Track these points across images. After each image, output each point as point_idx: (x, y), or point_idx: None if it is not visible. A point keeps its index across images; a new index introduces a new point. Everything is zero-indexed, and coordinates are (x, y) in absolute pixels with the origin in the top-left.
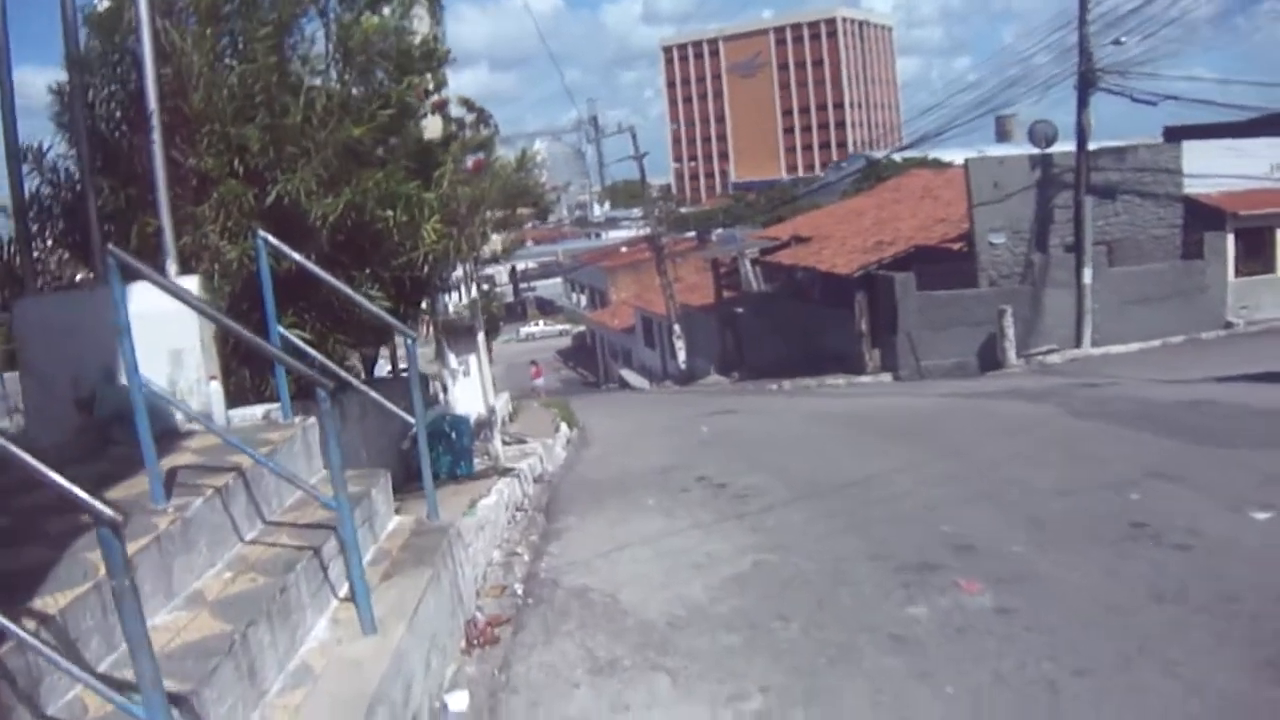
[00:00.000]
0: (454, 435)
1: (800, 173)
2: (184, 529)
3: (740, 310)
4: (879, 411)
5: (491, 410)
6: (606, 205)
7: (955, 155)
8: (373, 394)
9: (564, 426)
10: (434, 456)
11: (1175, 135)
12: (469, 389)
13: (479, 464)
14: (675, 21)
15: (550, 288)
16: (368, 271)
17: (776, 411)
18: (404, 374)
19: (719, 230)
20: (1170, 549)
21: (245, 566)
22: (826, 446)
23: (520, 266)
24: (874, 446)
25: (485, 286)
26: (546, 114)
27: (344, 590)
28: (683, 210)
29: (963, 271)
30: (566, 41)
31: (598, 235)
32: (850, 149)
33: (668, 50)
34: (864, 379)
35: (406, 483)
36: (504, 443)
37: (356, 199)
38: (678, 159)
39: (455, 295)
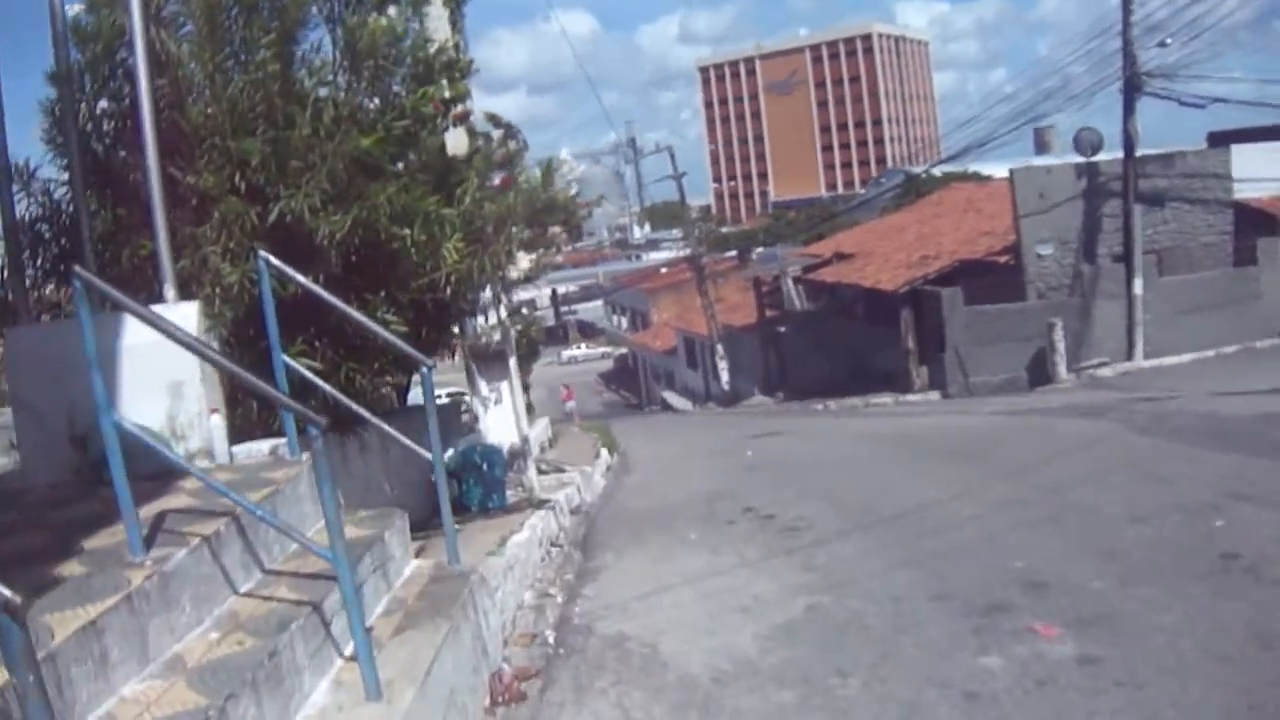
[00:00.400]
0: (485, 466)
1: (840, 190)
2: (163, 584)
3: (783, 329)
4: (929, 431)
5: (525, 439)
6: (646, 227)
7: (995, 168)
8: (386, 428)
9: (604, 452)
10: (464, 489)
11: (1221, 140)
12: (501, 417)
13: (512, 496)
14: (711, 42)
15: (591, 310)
16: (383, 294)
17: (823, 433)
18: (443, 400)
19: (759, 249)
20: (1272, 585)
21: (235, 625)
22: (877, 469)
23: (561, 290)
24: (926, 469)
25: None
26: (585, 138)
27: (350, 648)
28: (723, 230)
29: (1009, 285)
30: (603, 65)
31: (638, 257)
32: (889, 164)
33: (704, 70)
34: (911, 397)
35: (436, 517)
36: (540, 471)
37: (367, 216)
38: (717, 179)
39: (484, 319)
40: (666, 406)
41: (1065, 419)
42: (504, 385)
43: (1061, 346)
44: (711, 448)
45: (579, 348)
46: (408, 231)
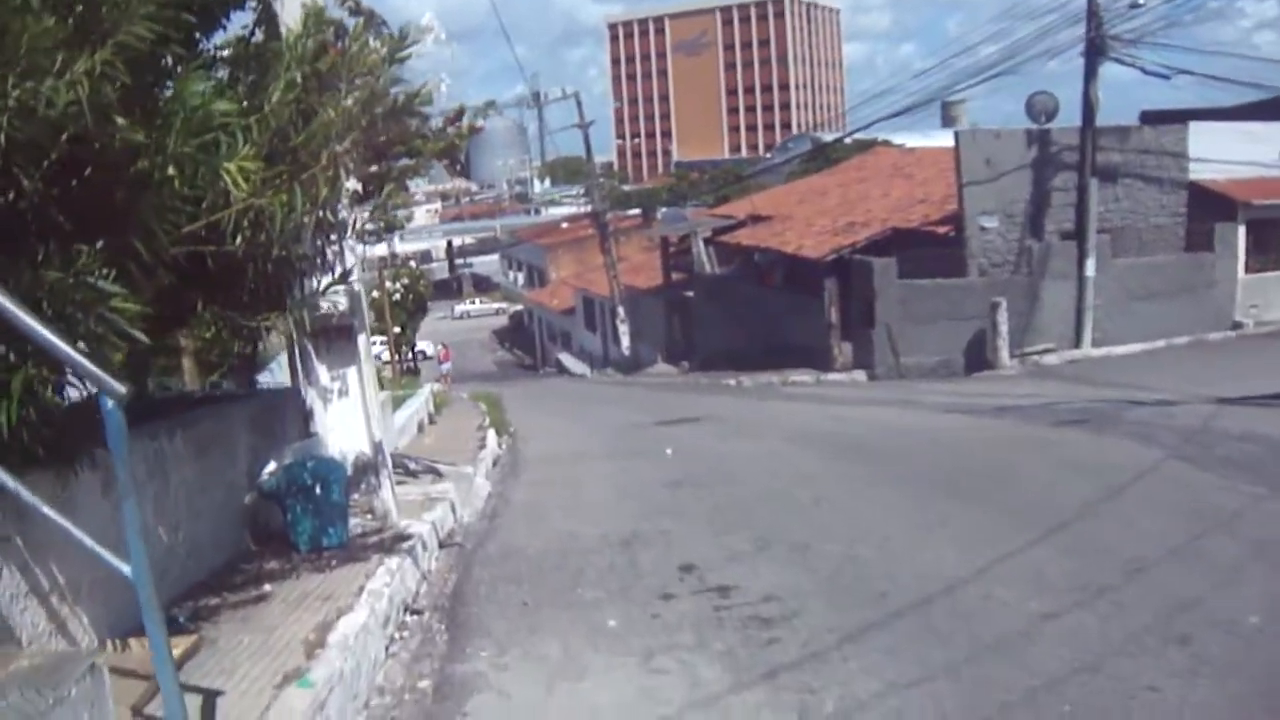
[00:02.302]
0: (319, 489)
1: (744, 154)
2: None
3: (691, 294)
4: (886, 434)
5: (378, 447)
6: (547, 182)
7: (905, 140)
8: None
9: (491, 437)
10: (290, 519)
11: (1154, 119)
12: (347, 416)
13: (359, 525)
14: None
15: (487, 265)
16: (100, 245)
17: (750, 423)
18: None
19: (664, 209)
20: None
21: None
22: (852, 503)
23: (456, 242)
24: (919, 505)
25: (410, 262)
26: (491, 89)
27: None
28: (625, 188)
29: (948, 258)
30: (513, 17)
31: (537, 211)
32: (794, 130)
33: (613, 27)
34: (834, 376)
35: (248, 560)
36: (407, 474)
37: (54, 99)
38: (620, 136)
39: (323, 280)
40: (562, 369)
41: (1058, 430)
42: (350, 372)
43: (1005, 329)
44: (620, 439)
45: (473, 303)
46: (145, 135)
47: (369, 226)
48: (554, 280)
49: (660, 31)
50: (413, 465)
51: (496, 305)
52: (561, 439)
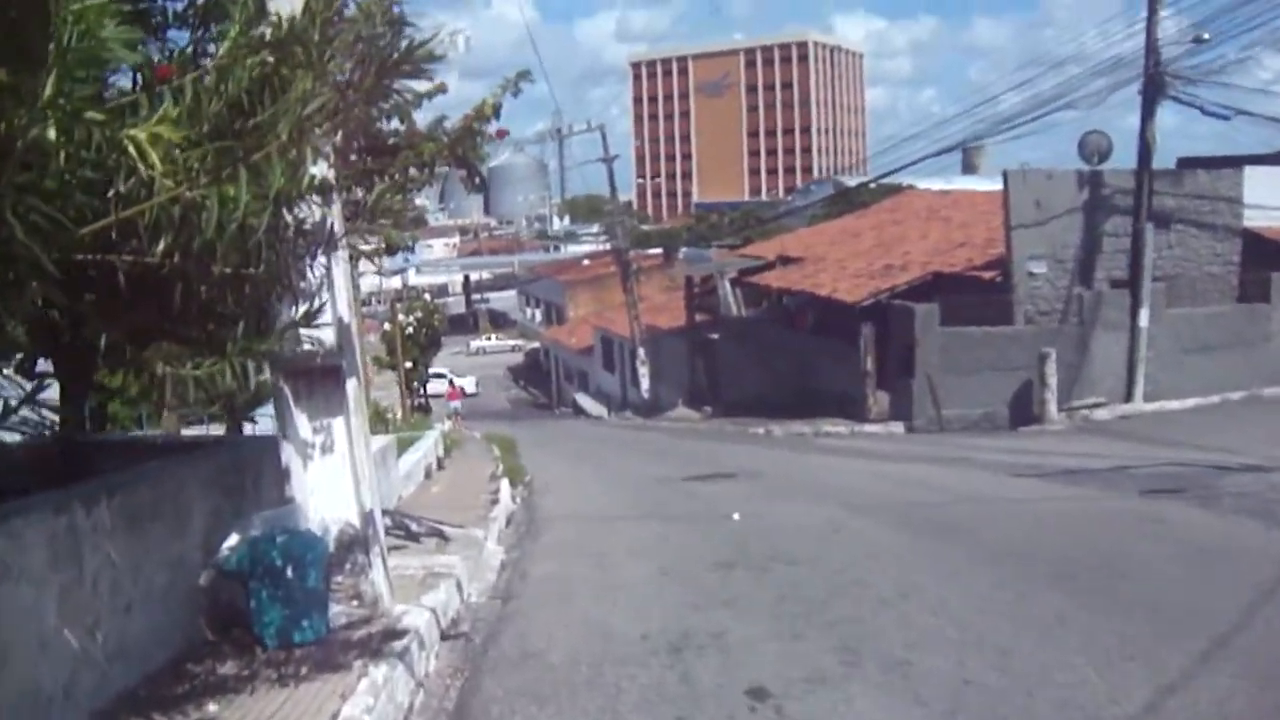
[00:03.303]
0: (290, 570)
1: (764, 196)
2: None
3: (715, 336)
4: (954, 501)
5: (369, 518)
6: (566, 219)
7: (928, 186)
8: None
9: (505, 489)
10: (255, 606)
11: (1191, 165)
12: (332, 477)
13: (344, 614)
14: (649, 39)
15: (504, 300)
16: None
17: (792, 481)
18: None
19: (685, 249)
20: None
21: None
22: (945, 596)
23: (474, 276)
24: (1024, 599)
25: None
26: (512, 126)
27: None
28: (645, 228)
29: (992, 305)
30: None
31: (556, 248)
32: (815, 174)
33: (636, 66)
34: (869, 427)
35: (201, 656)
36: (408, 533)
37: None
38: (641, 176)
39: (299, 309)
40: (579, 410)
41: (1153, 502)
42: (338, 423)
43: (1054, 381)
44: (648, 496)
45: (489, 338)
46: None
47: (366, 245)
48: (572, 318)
49: (684, 72)
50: (414, 526)
51: (513, 342)
52: (583, 493)
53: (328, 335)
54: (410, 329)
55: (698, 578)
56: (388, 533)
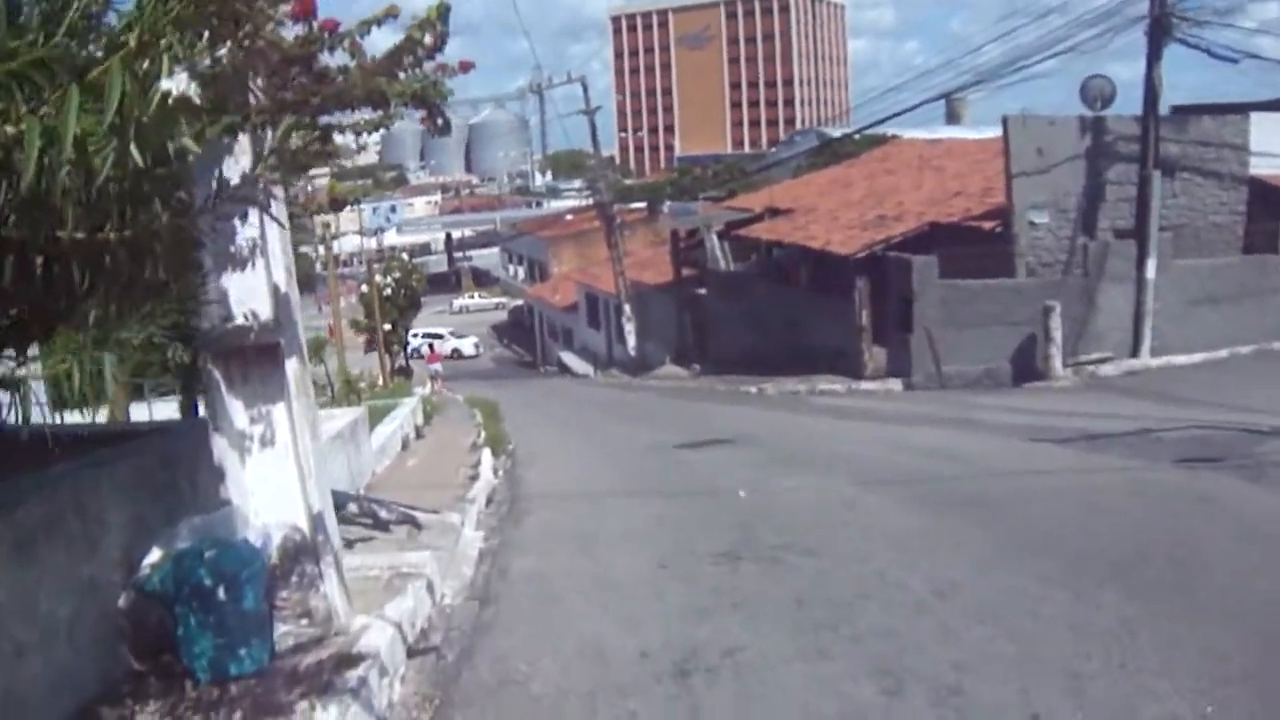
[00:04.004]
0: (222, 591)
1: (746, 148)
2: None
3: (703, 291)
4: (972, 472)
5: (319, 521)
6: (548, 175)
7: (913, 136)
8: None
9: (485, 463)
10: (183, 635)
11: (1183, 113)
12: (273, 473)
13: (290, 633)
14: None
15: (487, 258)
16: None
17: (795, 448)
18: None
19: (670, 203)
20: None
21: None
22: (989, 599)
23: (456, 234)
24: (1081, 601)
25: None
26: (493, 84)
27: None
28: (627, 182)
29: (992, 256)
30: (514, 12)
31: (539, 204)
32: (799, 126)
33: (616, 20)
34: (866, 385)
35: (119, 696)
36: (376, 521)
37: None
38: (623, 130)
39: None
40: (564, 369)
41: (1193, 475)
42: (278, 411)
43: (1058, 335)
44: (640, 466)
45: (471, 296)
46: None
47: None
48: (555, 275)
49: (664, 25)
50: (384, 514)
51: (496, 300)
52: (569, 464)
53: (263, 308)
54: (389, 290)
55: (700, 572)
56: (354, 520)
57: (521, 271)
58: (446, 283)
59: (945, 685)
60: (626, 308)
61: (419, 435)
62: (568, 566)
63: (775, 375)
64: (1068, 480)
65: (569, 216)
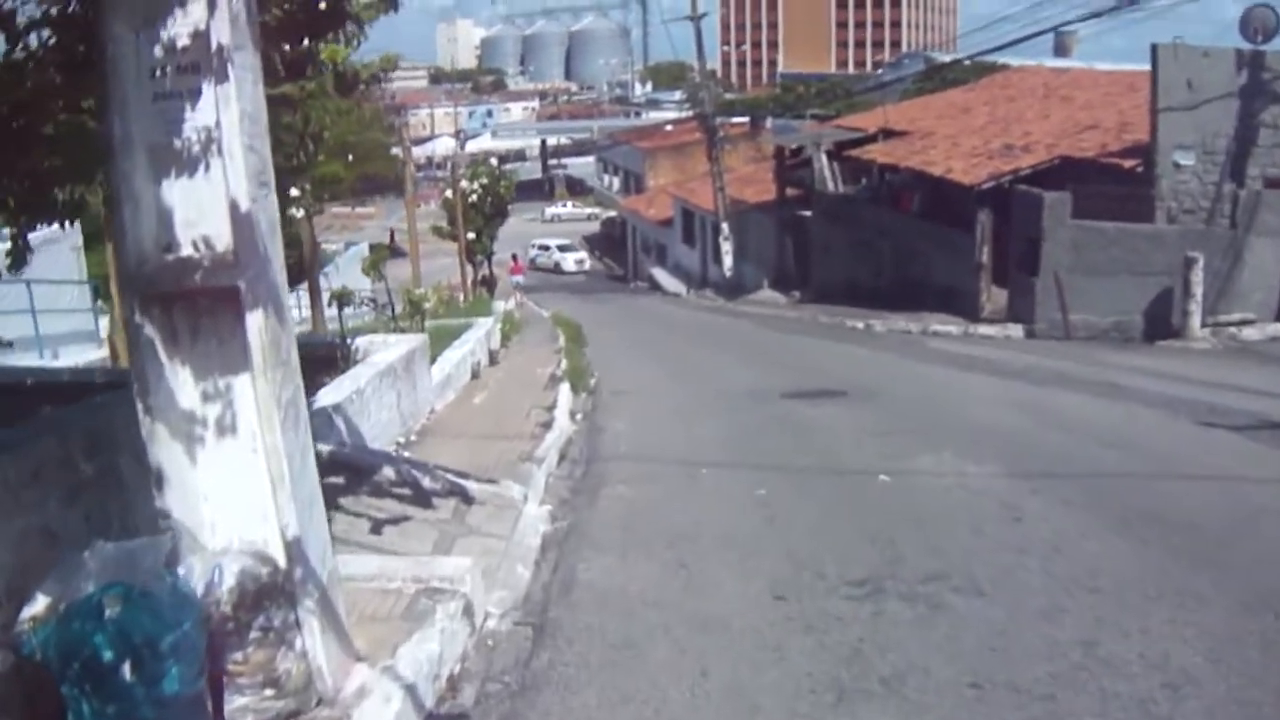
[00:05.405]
0: (125, 669)
1: (850, 69)
2: None
3: (808, 214)
4: (1188, 495)
5: (296, 547)
6: (648, 86)
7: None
8: None
9: (563, 404)
10: None
11: None
12: (232, 475)
13: (249, 709)
14: None
15: (582, 167)
16: None
17: (919, 411)
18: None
19: (773, 120)
20: None
21: None
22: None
23: (552, 141)
24: None
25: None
26: None
27: None
28: (729, 96)
29: (1129, 199)
30: None
31: (637, 114)
32: (904, 49)
33: None
34: (983, 329)
35: None
36: (417, 492)
37: None
38: (725, 44)
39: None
40: (655, 285)
41: None
42: (240, 384)
43: (1199, 291)
44: (742, 421)
45: (564, 205)
46: None
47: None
48: (651, 188)
49: None
50: (427, 482)
51: (589, 210)
52: (660, 412)
53: (219, 234)
54: (474, 196)
55: (832, 614)
56: (389, 491)
57: (616, 182)
58: (540, 190)
59: None
60: (724, 226)
61: (493, 361)
62: (654, 585)
63: (882, 310)
64: (1268, 492)
65: (669, 127)
